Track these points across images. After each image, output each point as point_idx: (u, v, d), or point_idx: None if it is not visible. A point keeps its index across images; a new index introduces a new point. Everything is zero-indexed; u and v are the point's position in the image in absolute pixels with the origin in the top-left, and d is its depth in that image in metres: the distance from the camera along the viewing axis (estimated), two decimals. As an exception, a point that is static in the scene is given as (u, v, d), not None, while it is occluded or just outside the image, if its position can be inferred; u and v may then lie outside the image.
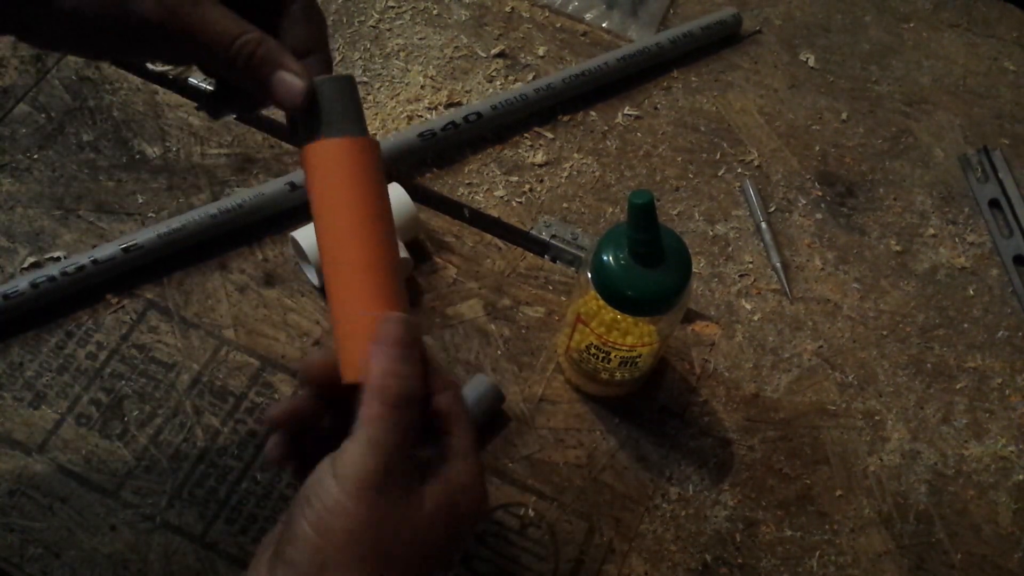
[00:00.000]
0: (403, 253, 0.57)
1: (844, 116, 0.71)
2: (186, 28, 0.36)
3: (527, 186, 0.66)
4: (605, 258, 0.46)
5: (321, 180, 0.38)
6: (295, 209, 0.61)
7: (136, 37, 0.36)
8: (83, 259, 0.57)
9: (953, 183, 0.69)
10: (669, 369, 0.59)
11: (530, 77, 0.71)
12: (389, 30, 0.72)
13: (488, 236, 0.63)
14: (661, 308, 0.48)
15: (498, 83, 0.70)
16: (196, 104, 0.65)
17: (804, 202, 0.67)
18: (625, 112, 0.70)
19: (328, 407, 0.39)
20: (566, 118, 0.69)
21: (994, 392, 0.60)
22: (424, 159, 0.66)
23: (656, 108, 0.70)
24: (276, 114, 0.67)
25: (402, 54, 0.71)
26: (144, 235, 0.58)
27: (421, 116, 0.68)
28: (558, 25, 0.74)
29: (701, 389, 0.59)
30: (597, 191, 0.66)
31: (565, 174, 0.67)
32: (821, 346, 0.61)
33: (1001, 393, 0.60)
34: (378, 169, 0.39)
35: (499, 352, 0.59)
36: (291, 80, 0.37)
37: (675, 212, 0.66)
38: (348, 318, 0.37)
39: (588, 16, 0.75)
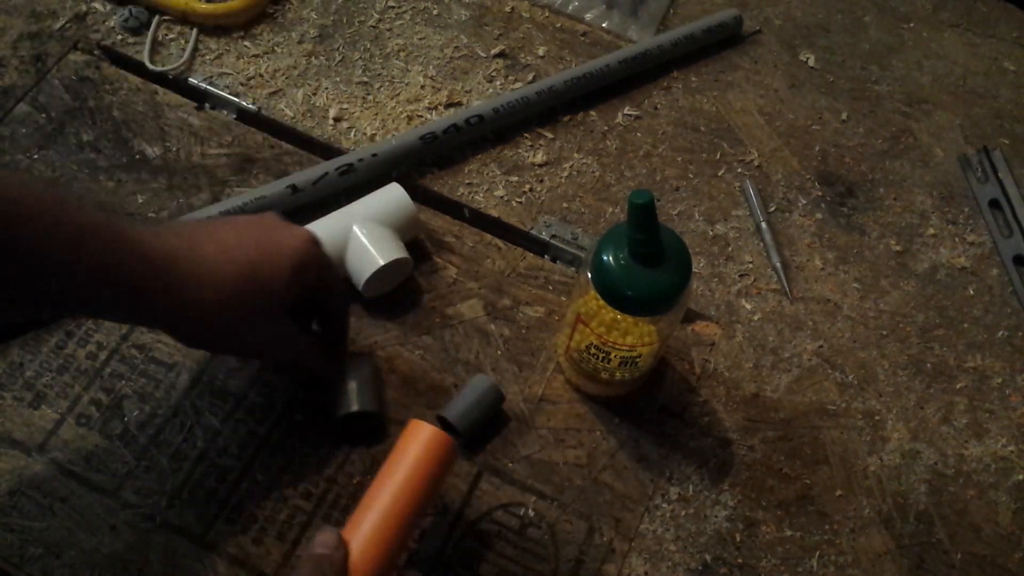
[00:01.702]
0: (403, 253, 0.57)
1: (844, 116, 0.71)
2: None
3: (527, 186, 0.66)
4: (605, 258, 0.46)
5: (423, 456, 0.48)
6: (296, 211, 0.61)
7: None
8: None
9: (953, 183, 0.69)
10: (669, 369, 0.59)
11: (530, 77, 0.71)
12: (389, 30, 0.72)
13: (488, 236, 0.63)
14: (661, 308, 0.48)
15: (498, 83, 0.70)
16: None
17: (804, 202, 0.67)
18: (625, 112, 0.70)
19: None
20: (566, 118, 0.69)
21: (994, 392, 0.60)
22: (424, 159, 0.66)
23: (656, 108, 0.70)
24: (275, 114, 0.67)
25: (402, 54, 0.71)
26: (144, 235, 0.58)
27: (421, 116, 0.68)
28: (558, 25, 0.74)
29: (701, 389, 0.59)
30: (597, 191, 0.66)
31: (565, 174, 0.67)
32: (821, 346, 0.61)
33: (1001, 393, 0.60)
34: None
35: (499, 352, 0.59)
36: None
37: (675, 212, 0.66)
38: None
39: (588, 16, 0.75)
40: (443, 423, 0.55)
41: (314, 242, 0.49)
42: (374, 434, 0.55)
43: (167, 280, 0.43)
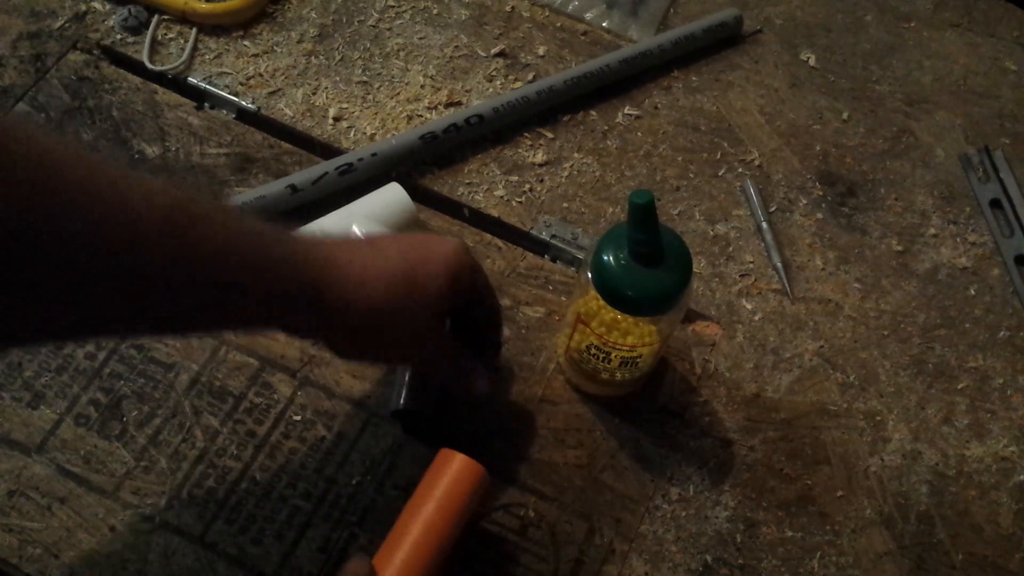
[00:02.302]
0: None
1: (845, 116, 0.71)
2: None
3: (527, 186, 0.66)
4: (605, 258, 0.46)
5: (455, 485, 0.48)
6: (296, 211, 0.61)
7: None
8: (82, 259, 0.57)
9: (954, 183, 0.69)
10: (669, 369, 0.59)
11: (530, 77, 0.70)
12: (389, 30, 0.72)
13: (488, 236, 0.63)
14: (661, 308, 0.47)
15: (498, 83, 0.70)
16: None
17: (805, 202, 0.67)
18: (625, 112, 0.70)
19: None
20: (566, 118, 0.69)
21: (995, 392, 0.60)
22: (424, 159, 0.66)
23: (656, 108, 0.70)
24: (275, 113, 0.67)
25: (402, 54, 0.71)
26: (143, 235, 0.58)
27: (421, 116, 0.68)
28: (558, 24, 0.74)
29: (702, 389, 0.59)
30: (597, 191, 0.66)
31: (565, 174, 0.66)
32: (822, 346, 0.61)
33: (1002, 393, 0.60)
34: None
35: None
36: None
37: (675, 212, 0.66)
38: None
39: (588, 16, 0.75)
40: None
41: (466, 249, 0.48)
42: (423, 431, 0.55)
43: (326, 280, 0.43)
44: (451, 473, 0.48)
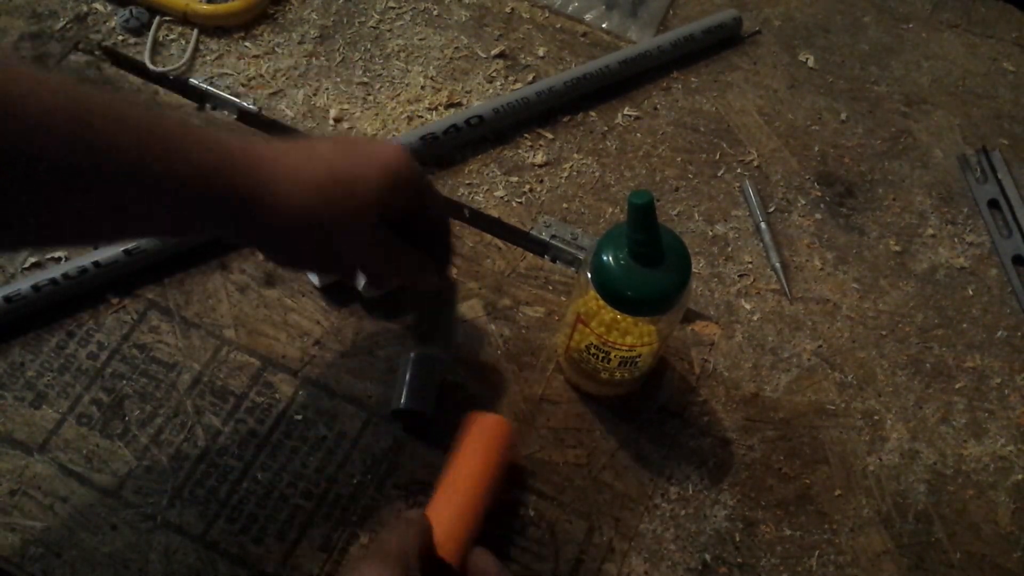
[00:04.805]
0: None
1: (843, 116, 0.71)
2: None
3: (527, 186, 0.66)
4: (605, 258, 0.47)
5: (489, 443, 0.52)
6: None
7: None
8: (85, 262, 0.57)
9: (952, 183, 0.69)
10: (669, 369, 0.59)
11: (530, 78, 0.71)
12: (389, 31, 0.73)
13: (488, 236, 0.63)
14: (661, 308, 0.48)
15: (498, 84, 0.70)
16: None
17: (803, 202, 0.67)
18: (625, 112, 0.70)
19: None
20: (566, 118, 0.69)
21: (993, 392, 0.60)
22: (424, 160, 0.66)
23: (656, 108, 0.71)
24: (276, 114, 0.67)
25: (402, 55, 0.71)
26: (145, 235, 0.58)
27: (421, 117, 0.68)
28: (558, 26, 0.74)
29: (701, 389, 0.59)
30: (597, 191, 0.66)
31: (565, 174, 0.67)
32: (820, 346, 0.61)
33: (1000, 393, 0.60)
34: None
35: (499, 352, 0.59)
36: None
37: (675, 212, 0.66)
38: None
39: (588, 17, 0.75)
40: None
41: (408, 156, 0.47)
42: (422, 429, 0.56)
43: (254, 180, 0.41)
44: (484, 433, 0.52)
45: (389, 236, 0.47)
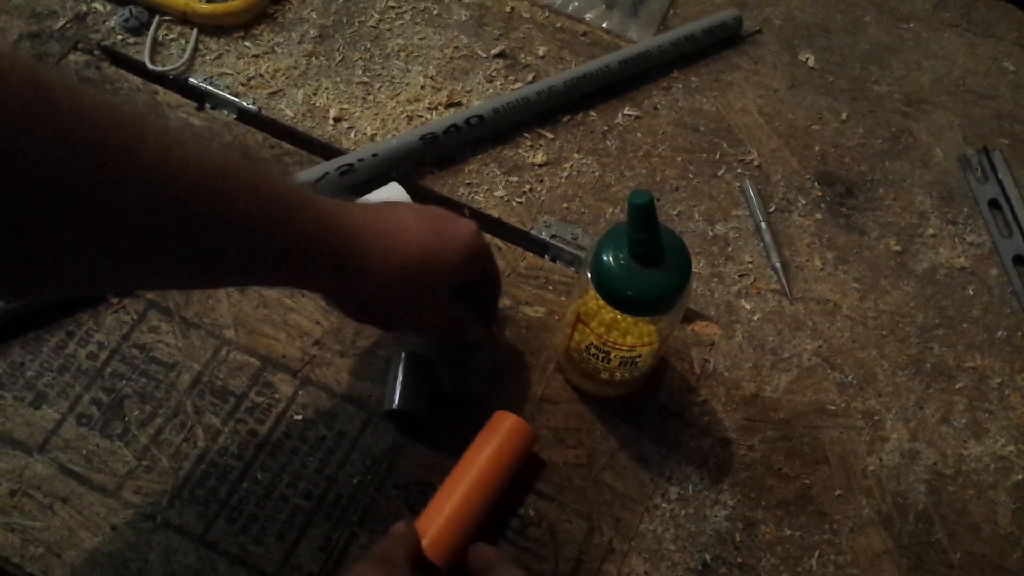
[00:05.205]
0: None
1: (844, 116, 0.71)
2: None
3: (527, 186, 0.66)
4: (605, 258, 0.46)
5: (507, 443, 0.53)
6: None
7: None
8: (84, 259, 0.57)
9: (953, 183, 0.69)
10: (669, 369, 0.59)
11: (530, 77, 0.71)
12: (389, 30, 0.72)
13: (488, 236, 0.63)
14: (661, 308, 0.48)
15: (498, 83, 0.70)
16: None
17: (804, 202, 0.67)
18: (625, 112, 0.70)
19: None
20: (566, 118, 0.69)
21: (993, 392, 0.60)
22: (424, 159, 0.66)
23: (656, 108, 0.71)
24: (276, 114, 0.67)
25: (402, 54, 0.71)
26: (145, 235, 0.58)
27: (421, 116, 0.68)
28: (558, 25, 0.74)
29: (701, 389, 0.59)
30: (597, 191, 0.66)
31: (565, 174, 0.67)
32: (820, 346, 0.61)
33: (1000, 393, 0.60)
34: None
35: (499, 352, 0.59)
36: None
37: (675, 212, 0.66)
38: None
39: (588, 16, 0.75)
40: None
41: (480, 233, 0.51)
42: (417, 430, 0.56)
43: (350, 251, 0.44)
44: (502, 432, 0.53)
45: (456, 301, 0.51)
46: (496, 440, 0.52)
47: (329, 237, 0.43)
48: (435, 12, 0.74)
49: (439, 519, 0.50)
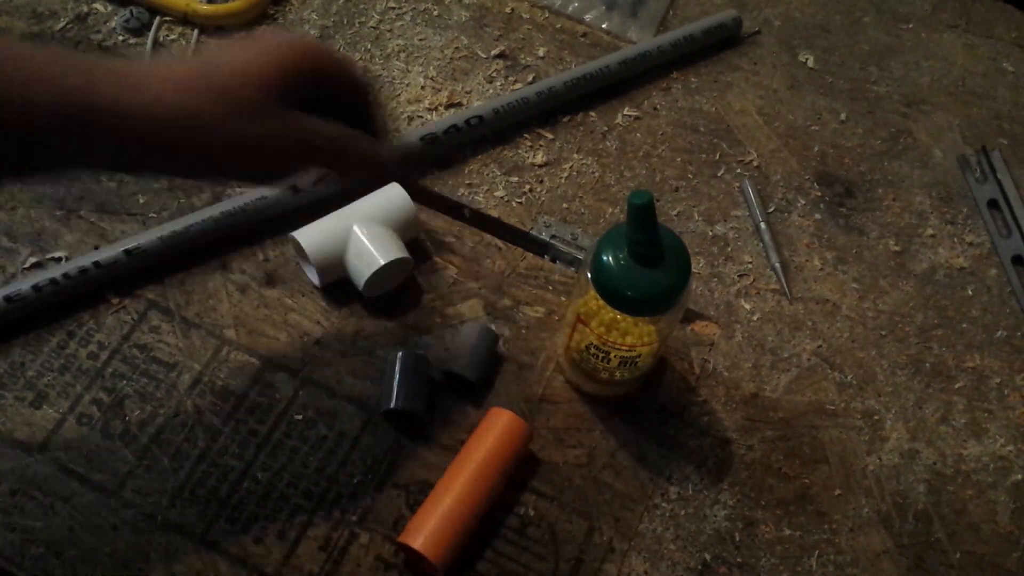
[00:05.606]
0: (404, 253, 0.58)
1: (843, 117, 0.71)
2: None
3: (527, 186, 0.66)
4: (605, 258, 0.47)
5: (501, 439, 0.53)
6: (297, 211, 0.61)
7: None
8: (85, 262, 0.57)
9: (952, 183, 0.69)
10: (669, 369, 0.59)
11: (530, 78, 0.71)
12: (389, 31, 0.73)
13: (488, 236, 0.63)
14: (661, 308, 0.48)
15: (498, 84, 0.70)
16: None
17: (803, 202, 0.67)
18: (625, 113, 0.70)
19: None
20: (566, 119, 0.69)
21: (993, 392, 0.60)
22: (425, 159, 0.66)
23: (656, 109, 0.71)
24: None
25: (402, 55, 0.71)
26: (147, 238, 0.58)
27: (421, 117, 0.68)
28: (558, 26, 0.74)
29: (700, 389, 0.59)
30: (597, 191, 0.66)
31: (565, 174, 0.67)
32: (820, 346, 0.61)
33: (1000, 393, 0.60)
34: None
35: (499, 352, 0.59)
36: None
37: (675, 212, 0.66)
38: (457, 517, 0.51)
39: (588, 17, 0.75)
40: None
41: (301, 36, 0.44)
42: (418, 427, 0.56)
43: (90, 87, 0.37)
44: (498, 428, 0.53)
45: (306, 116, 0.41)
46: (491, 437, 0.52)
47: (63, 78, 0.37)
48: (435, 13, 0.74)
49: (434, 516, 0.50)
